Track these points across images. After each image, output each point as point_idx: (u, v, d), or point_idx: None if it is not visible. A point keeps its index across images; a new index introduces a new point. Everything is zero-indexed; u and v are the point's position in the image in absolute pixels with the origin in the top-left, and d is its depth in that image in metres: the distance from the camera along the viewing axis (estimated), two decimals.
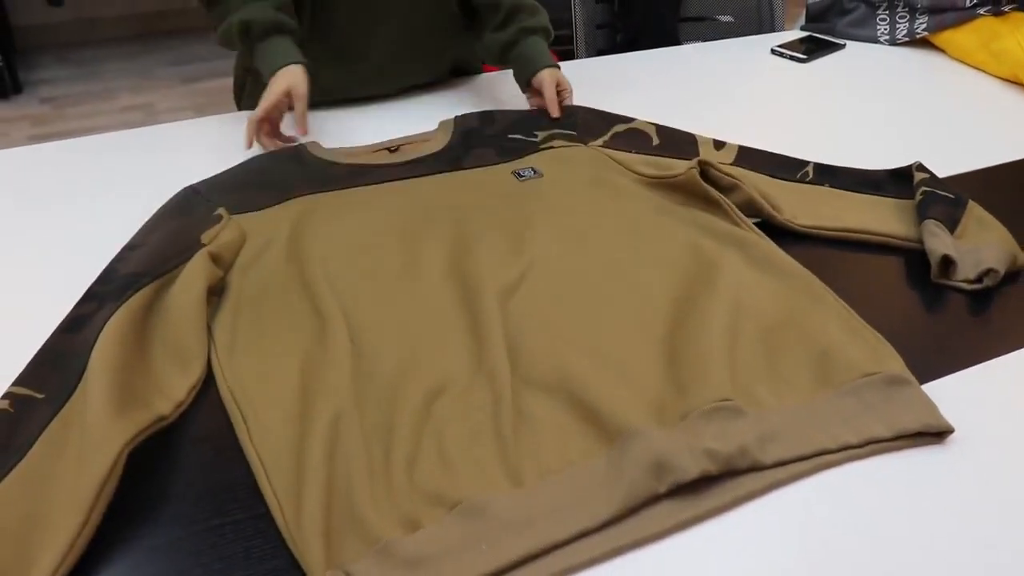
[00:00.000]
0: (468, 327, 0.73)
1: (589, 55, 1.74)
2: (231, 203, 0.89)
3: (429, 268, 0.82)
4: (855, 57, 1.47)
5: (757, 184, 0.96)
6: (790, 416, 0.66)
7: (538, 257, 0.83)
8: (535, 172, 0.99)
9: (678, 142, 1.05)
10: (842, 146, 1.13)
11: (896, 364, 0.70)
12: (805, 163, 1.02)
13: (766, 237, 0.88)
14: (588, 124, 1.08)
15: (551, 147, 1.04)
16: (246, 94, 1.22)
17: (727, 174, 0.94)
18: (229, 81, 1.24)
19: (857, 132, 1.18)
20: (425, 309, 0.76)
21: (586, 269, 0.82)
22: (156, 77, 3.16)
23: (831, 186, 0.98)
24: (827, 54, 1.48)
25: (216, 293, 0.78)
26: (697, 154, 1.03)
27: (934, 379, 0.72)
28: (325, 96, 1.15)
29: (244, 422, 0.65)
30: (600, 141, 1.05)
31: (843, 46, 1.51)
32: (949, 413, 0.68)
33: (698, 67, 1.41)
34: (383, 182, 0.97)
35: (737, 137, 1.11)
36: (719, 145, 1.05)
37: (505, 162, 1.01)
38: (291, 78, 1.00)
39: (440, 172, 0.98)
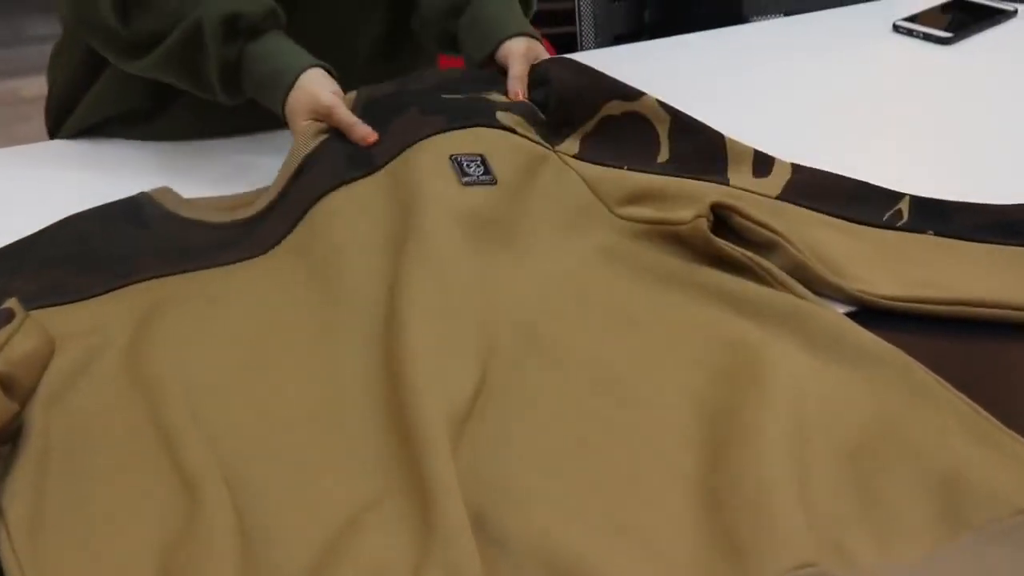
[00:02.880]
0: (410, 487, 0.70)
1: (601, 43, 1.73)
2: (30, 291, 0.85)
3: (349, 395, 0.79)
4: None
5: (810, 234, 0.93)
6: None
7: (496, 367, 0.81)
8: (485, 170, 0.97)
9: (698, 154, 1.03)
10: (999, 178, 1.06)
11: None
12: (898, 197, 1.00)
13: (829, 304, 0.86)
14: (567, 102, 1.05)
15: (506, 125, 1.02)
16: (74, 119, 1.19)
17: (762, 224, 0.92)
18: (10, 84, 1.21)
19: None
20: (345, 461, 0.74)
21: (566, 382, 0.80)
22: None
23: (937, 233, 0.96)
24: (984, 29, 1.44)
25: (6, 439, 0.74)
26: (724, 175, 1.01)
27: None
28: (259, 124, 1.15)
29: None
30: (575, 142, 1.03)
31: (1014, 13, 1.47)
32: None
33: (773, 57, 1.38)
34: (269, 248, 0.94)
35: (836, 165, 1.04)
36: (763, 165, 1.02)
37: (437, 132, 0.99)
38: (329, 84, 1.02)
39: (345, 182, 0.96)
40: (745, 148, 1.03)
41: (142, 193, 0.99)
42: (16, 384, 0.76)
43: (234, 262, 0.93)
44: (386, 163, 0.98)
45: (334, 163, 0.98)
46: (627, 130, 1.04)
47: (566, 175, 1.01)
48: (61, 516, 0.69)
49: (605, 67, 1.23)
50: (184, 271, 0.90)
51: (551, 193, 0.99)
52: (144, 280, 0.89)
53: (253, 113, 1.10)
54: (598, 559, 0.64)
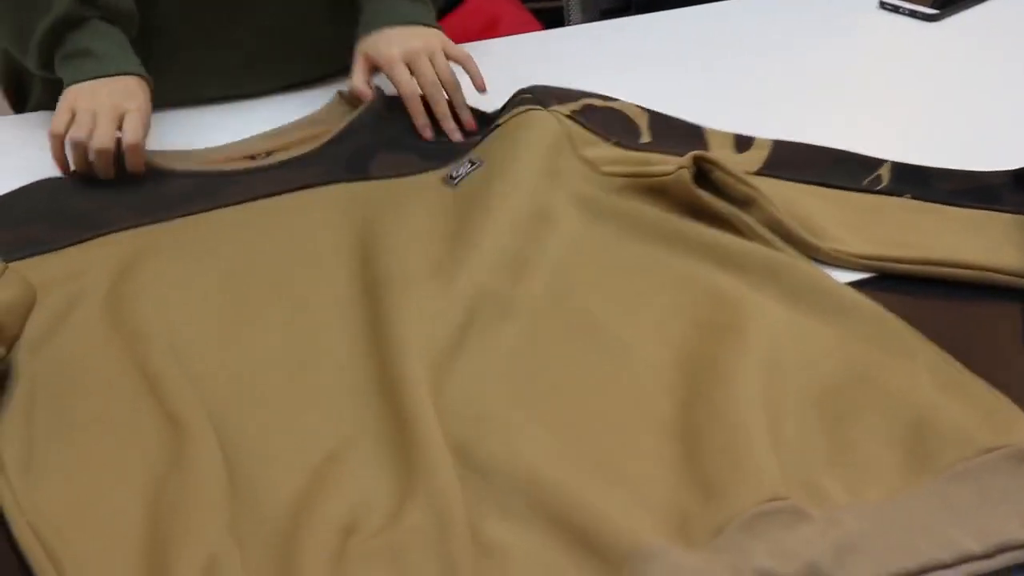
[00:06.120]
0: (390, 423, 0.73)
1: (588, 18, 1.73)
2: (6, 242, 0.87)
3: (330, 338, 0.81)
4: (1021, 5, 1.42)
5: (787, 195, 0.94)
6: (877, 515, 0.65)
7: (479, 312, 0.83)
8: (472, 164, 0.99)
9: (677, 135, 1.04)
10: (985, 152, 1.05)
11: None
12: (878, 163, 1.01)
13: (806, 259, 0.88)
14: (550, 92, 1.06)
15: (499, 125, 1.03)
16: (34, 100, 1.19)
17: (742, 181, 0.93)
18: None
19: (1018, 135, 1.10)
20: (327, 400, 0.76)
21: (547, 326, 0.82)
22: None
23: (915, 196, 0.97)
24: (970, 5, 1.43)
25: None
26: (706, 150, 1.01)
27: None
28: (169, 96, 1.14)
29: (57, 574, 0.63)
30: (567, 109, 1.04)
31: None
32: None
33: (760, 34, 1.38)
34: (249, 200, 0.96)
35: (822, 142, 1.05)
36: (743, 144, 1.03)
37: (434, 168, 1.01)
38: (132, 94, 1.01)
39: (334, 181, 0.98)
40: (725, 133, 1.05)
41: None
42: (2, 331, 0.77)
43: (209, 209, 0.94)
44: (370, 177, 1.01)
45: (324, 169, 1.01)
46: (609, 117, 1.06)
47: (556, 127, 1.02)
48: (51, 456, 0.71)
49: (592, 42, 1.27)
50: (159, 222, 0.92)
51: (539, 147, 1.00)
52: (121, 230, 0.91)
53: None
54: (579, 493, 0.66)
